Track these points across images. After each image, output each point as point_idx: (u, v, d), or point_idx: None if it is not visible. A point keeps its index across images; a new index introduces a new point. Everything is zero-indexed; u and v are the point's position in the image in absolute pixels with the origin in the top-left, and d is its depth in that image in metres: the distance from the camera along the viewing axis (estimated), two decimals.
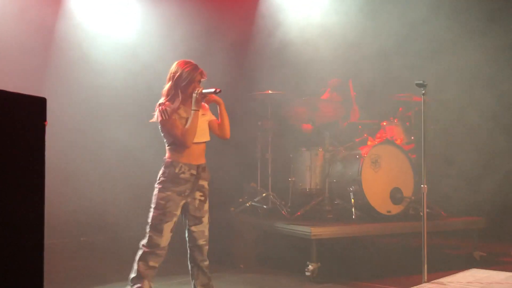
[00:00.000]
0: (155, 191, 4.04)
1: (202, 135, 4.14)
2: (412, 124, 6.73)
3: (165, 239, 3.97)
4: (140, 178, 8.34)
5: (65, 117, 7.17)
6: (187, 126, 3.99)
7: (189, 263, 4.22)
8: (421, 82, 4.67)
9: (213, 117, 4.29)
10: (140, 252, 3.99)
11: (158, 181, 4.05)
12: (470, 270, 4.77)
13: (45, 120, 1.51)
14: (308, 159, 6.49)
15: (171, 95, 4.08)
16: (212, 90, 4.04)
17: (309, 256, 5.44)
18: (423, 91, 4.69)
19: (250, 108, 7.18)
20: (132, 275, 3.98)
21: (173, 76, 4.08)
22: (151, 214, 4.01)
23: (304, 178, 6.48)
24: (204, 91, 4.04)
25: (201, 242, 4.14)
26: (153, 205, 4.01)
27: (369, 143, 6.36)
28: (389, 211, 6.05)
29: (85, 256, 6.84)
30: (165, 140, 4.13)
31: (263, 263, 6.14)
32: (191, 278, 4.23)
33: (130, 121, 7.27)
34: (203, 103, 4.16)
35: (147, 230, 4.00)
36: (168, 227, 3.97)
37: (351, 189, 6.02)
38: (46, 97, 1.59)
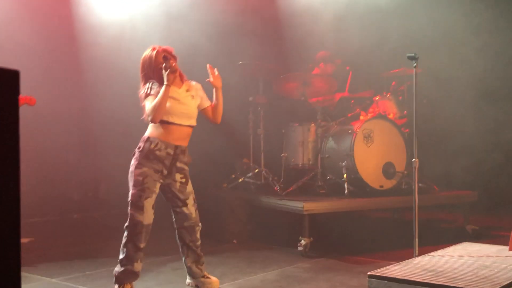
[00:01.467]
0: (131, 168, 3.93)
1: (187, 118, 4.04)
2: (404, 98, 6.69)
3: (147, 216, 3.87)
4: (131, 154, 8.34)
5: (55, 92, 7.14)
6: (154, 101, 3.87)
7: (178, 241, 4.20)
8: (413, 54, 4.61)
9: (208, 103, 4.24)
10: (125, 234, 3.91)
11: (133, 157, 3.95)
12: (462, 243, 4.77)
13: (18, 94, 1.45)
14: (301, 134, 6.46)
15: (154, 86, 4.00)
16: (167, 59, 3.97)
17: (301, 231, 5.44)
18: (415, 64, 4.64)
19: (241, 83, 7.12)
20: (121, 256, 3.93)
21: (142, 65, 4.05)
22: (130, 193, 3.91)
23: (297, 153, 6.45)
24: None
25: (188, 223, 4.11)
26: (130, 183, 3.92)
27: (361, 117, 6.32)
28: (381, 186, 6.04)
29: (78, 233, 6.83)
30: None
31: (256, 238, 6.15)
32: (181, 255, 4.23)
33: (122, 95, 7.21)
34: (194, 85, 4.15)
35: (128, 210, 3.91)
36: (148, 204, 3.88)
37: (343, 164, 6.00)
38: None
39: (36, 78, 6.44)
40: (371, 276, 3.70)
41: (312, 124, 6.45)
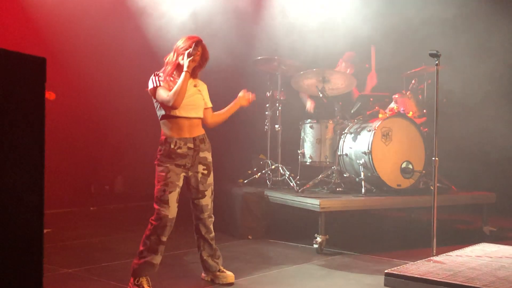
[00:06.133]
0: (156, 168, 3.99)
1: (195, 111, 4.06)
2: (424, 97, 6.63)
3: (172, 209, 3.92)
4: (149, 149, 8.38)
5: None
6: (174, 87, 3.89)
7: (195, 234, 4.23)
8: (435, 52, 4.56)
9: (209, 105, 4.26)
10: (149, 227, 3.95)
11: (156, 159, 4.00)
12: (480, 244, 4.73)
13: (45, 80, 1.46)
14: (318, 131, 6.43)
15: (168, 67, 4.05)
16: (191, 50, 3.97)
17: (317, 228, 5.42)
18: (437, 61, 4.59)
19: (259, 79, 7.11)
20: (142, 247, 3.96)
21: (175, 48, 4.08)
22: (155, 189, 3.96)
23: (314, 150, 6.43)
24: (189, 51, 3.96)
25: (205, 215, 4.14)
26: (156, 181, 3.97)
27: (380, 116, 6.28)
28: (399, 185, 5.99)
29: (95, 225, 6.87)
30: (158, 115, 4.08)
31: (271, 234, 6.14)
32: (197, 249, 4.25)
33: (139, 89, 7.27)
34: (201, 83, 4.19)
35: (154, 205, 3.95)
36: (173, 197, 3.93)
37: (361, 162, 5.97)
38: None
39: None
40: (388, 274, 3.68)
41: (330, 121, 6.43)
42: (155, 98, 4.00)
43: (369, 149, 5.90)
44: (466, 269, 3.74)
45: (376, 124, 6.00)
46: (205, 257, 4.21)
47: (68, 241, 5.79)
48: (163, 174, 3.93)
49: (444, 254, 4.27)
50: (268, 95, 6.81)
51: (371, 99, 6.75)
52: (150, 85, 3.99)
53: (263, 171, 6.71)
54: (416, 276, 3.56)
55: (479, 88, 7.07)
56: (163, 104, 3.95)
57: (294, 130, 6.79)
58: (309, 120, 6.56)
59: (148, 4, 6.43)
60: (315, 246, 5.36)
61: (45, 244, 1.61)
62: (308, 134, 6.52)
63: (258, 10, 7.36)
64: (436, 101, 4.63)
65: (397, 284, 3.59)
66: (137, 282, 3.93)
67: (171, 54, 4.09)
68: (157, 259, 3.95)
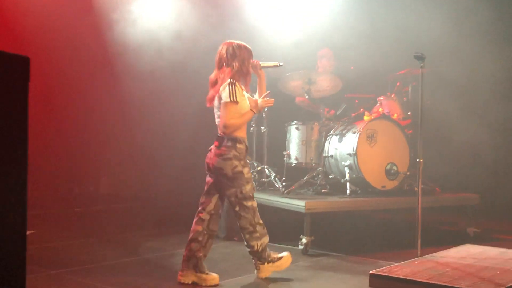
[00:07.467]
0: (236, 169, 4.17)
1: None
2: (409, 99, 6.67)
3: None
4: (132, 150, 8.35)
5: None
6: (239, 120, 4.17)
7: (206, 229, 4.34)
8: (420, 54, 4.60)
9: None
10: (250, 225, 4.32)
11: (235, 158, 4.17)
12: (464, 245, 4.77)
13: (28, 80, 1.44)
14: (304, 133, 6.44)
15: (237, 77, 4.21)
16: (272, 63, 4.45)
17: (302, 229, 5.42)
18: (421, 64, 4.62)
19: None
20: (254, 241, 4.33)
21: (236, 57, 4.22)
22: (242, 188, 4.21)
23: (300, 152, 6.44)
24: (262, 63, 4.38)
25: (220, 211, 4.45)
26: (240, 181, 4.19)
27: (365, 117, 6.30)
28: (383, 186, 6.03)
29: (78, 226, 6.82)
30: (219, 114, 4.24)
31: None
32: (195, 245, 4.29)
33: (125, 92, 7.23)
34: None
35: (245, 203, 4.24)
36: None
37: (346, 163, 5.99)
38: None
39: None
40: (373, 275, 3.69)
41: (316, 123, 6.44)
42: (226, 109, 4.14)
43: (354, 150, 5.92)
44: (451, 270, 3.76)
45: (361, 126, 6.03)
46: (200, 255, 4.23)
47: (52, 242, 5.73)
48: (249, 174, 4.29)
49: (429, 255, 4.30)
50: (254, 96, 6.79)
51: (356, 101, 6.78)
52: (228, 98, 4.11)
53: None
54: (401, 277, 3.57)
55: (464, 90, 7.13)
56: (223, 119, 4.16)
57: (280, 131, 6.79)
58: (294, 121, 6.57)
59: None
60: (301, 247, 5.37)
61: (28, 245, 1.59)
62: (294, 136, 6.53)
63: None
64: (421, 103, 4.66)
65: (382, 285, 3.60)
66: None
67: (235, 62, 4.21)
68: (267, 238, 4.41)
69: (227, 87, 4.12)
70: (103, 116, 8.22)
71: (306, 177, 6.28)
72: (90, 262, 4.84)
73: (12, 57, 1.43)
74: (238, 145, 4.19)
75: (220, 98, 4.16)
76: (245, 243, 4.41)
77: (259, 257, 4.39)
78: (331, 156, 6.23)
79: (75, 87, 7.91)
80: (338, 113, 6.67)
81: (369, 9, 7.32)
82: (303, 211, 5.40)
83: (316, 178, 6.30)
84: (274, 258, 4.43)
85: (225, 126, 4.15)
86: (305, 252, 5.33)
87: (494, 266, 3.93)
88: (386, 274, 3.64)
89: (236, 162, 4.18)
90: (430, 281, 3.44)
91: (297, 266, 4.87)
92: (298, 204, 5.50)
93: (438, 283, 3.41)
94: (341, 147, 6.14)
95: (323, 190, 6.14)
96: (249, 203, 4.27)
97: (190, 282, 4.21)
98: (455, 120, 7.25)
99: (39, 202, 7.17)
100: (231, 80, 4.15)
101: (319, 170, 6.28)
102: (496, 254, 4.42)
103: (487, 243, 5.21)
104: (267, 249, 4.42)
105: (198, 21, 6.99)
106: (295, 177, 6.41)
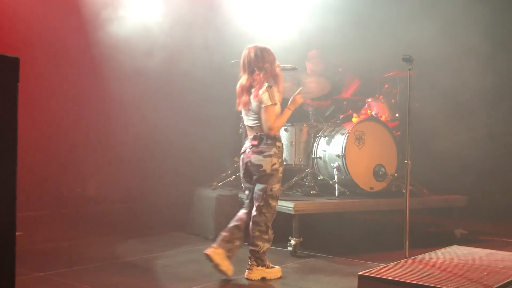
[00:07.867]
0: (274, 166, 4.32)
1: None
2: (397, 101, 6.70)
3: None
4: (120, 151, 8.31)
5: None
6: (281, 120, 4.37)
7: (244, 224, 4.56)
8: (408, 56, 4.62)
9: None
10: (264, 224, 4.40)
11: (275, 156, 4.32)
12: (452, 247, 4.78)
13: (17, 81, 1.43)
14: (293, 134, 6.44)
15: (269, 80, 4.37)
16: (289, 66, 4.71)
17: (291, 231, 5.42)
18: (410, 66, 4.65)
19: (233, 82, 7.09)
20: (260, 242, 4.40)
21: (266, 60, 4.35)
22: (275, 187, 4.37)
23: (288, 153, 6.43)
24: (282, 65, 4.55)
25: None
26: (275, 178, 4.35)
27: (354, 119, 6.32)
28: (372, 188, 6.05)
29: (66, 228, 6.77)
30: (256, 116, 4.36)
31: (245, 237, 6.10)
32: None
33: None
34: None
35: (271, 202, 4.37)
36: None
37: (334, 165, 6.00)
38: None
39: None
40: (361, 277, 3.69)
41: (305, 125, 6.45)
42: (267, 112, 4.25)
43: (343, 152, 5.94)
44: (439, 271, 3.78)
45: (350, 127, 6.05)
46: (238, 244, 4.55)
47: (40, 244, 5.70)
48: (281, 176, 4.44)
49: (417, 256, 4.31)
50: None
51: (345, 102, 6.80)
52: (269, 101, 4.24)
53: (237, 174, 6.69)
54: (389, 278, 3.58)
55: (452, 93, 7.17)
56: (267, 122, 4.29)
57: None
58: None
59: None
60: (289, 248, 5.37)
61: (16, 247, 1.58)
62: (283, 137, 6.52)
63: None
64: (409, 105, 4.68)
65: (371, 286, 3.61)
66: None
67: (266, 64, 4.33)
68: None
69: (266, 92, 4.24)
70: (91, 117, 8.16)
71: (294, 179, 6.29)
72: (78, 264, 4.81)
73: (2, 57, 1.42)
74: (278, 143, 4.37)
75: (260, 102, 4.27)
76: (250, 240, 4.45)
77: (257, 258, 4.43)
78: (320, 157, 6.24)
79: (62, 89, 7.85)
80: (326, 114, 6.69)
81: (357, 11, 7.33)
82: (292, 212, 5.41)
83: (304, 180, 6.31)
84: (268, 265, 4.50)
85: (270, 128, 4.28)
86: (293, 253, 5.34)
87: (482, 267, 3.95)
88: (374, 276, 3.64)
89: (275, 160, 4.33)
90: (418, 282, 3.45)
91: (285, 267, 4.87)
92: (287, 205, 5.50)
93: (426, 284, 3.41)
94: (330, 148, 6.15)
95: (311, 192, 6.15)
96: (273, 203, 4.41)
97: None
98: (442, 122, 7.29)
99: (26, 204, 7.11)
100: (269, 84, 4.30)
101: (308, 171, 6.29)
102: (483, 255, 4.44)
103: (475, 245, 5.24)
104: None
105: (185, 23, 6.98)
106: (283, 178, 6.38)
